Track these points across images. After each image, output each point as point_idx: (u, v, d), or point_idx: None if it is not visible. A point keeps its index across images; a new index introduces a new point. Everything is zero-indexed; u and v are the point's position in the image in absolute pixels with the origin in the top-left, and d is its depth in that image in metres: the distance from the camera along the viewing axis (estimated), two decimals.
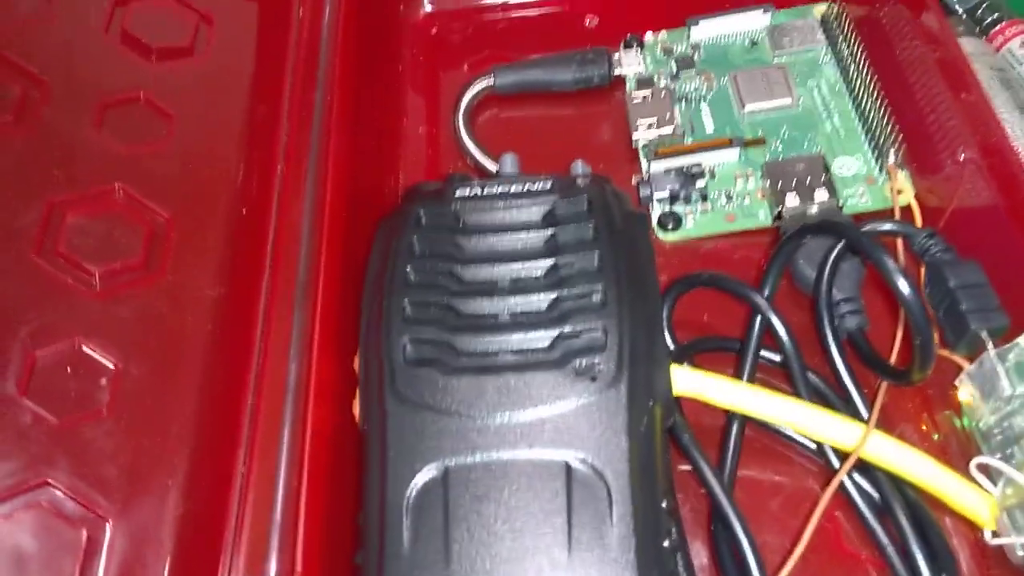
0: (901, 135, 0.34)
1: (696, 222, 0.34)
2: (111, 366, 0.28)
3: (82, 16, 0.35)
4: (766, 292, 0.29)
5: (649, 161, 0.35)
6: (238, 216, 0.31)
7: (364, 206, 0.32)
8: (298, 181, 0.30)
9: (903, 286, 0.25)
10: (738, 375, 0.28)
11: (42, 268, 0.29)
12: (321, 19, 0.36)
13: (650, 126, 0.36)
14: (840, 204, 0.33)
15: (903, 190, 0.33)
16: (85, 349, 0.28)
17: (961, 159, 0.31)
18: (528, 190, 0.29)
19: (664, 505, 0.24)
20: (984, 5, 0.44)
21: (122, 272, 0.30)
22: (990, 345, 0.26)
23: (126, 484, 0.26)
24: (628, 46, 0.39)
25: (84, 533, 0.25)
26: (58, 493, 0.25)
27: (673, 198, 0.34)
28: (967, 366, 0.27)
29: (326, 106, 0.32)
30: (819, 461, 0.29)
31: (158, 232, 0.31)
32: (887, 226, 0.29)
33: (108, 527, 0.25)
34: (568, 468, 0.23)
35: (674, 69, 0.38)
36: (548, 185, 0.29)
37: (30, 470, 0.25)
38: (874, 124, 0.35)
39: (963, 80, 0.32)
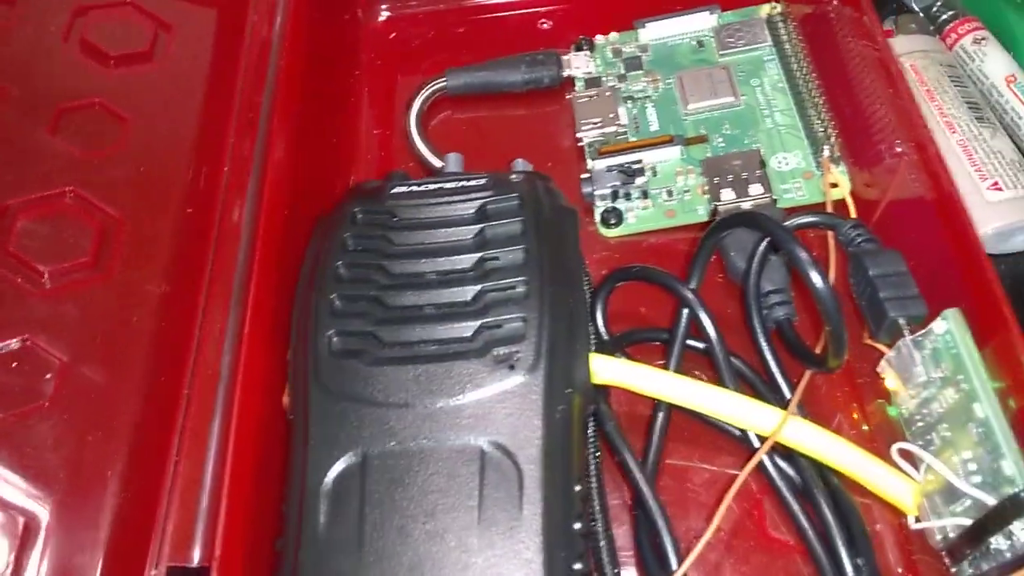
0: (838, 130, 0.35)
1: (638, 218, 0.35)
2: (57, 361, 0.29)
3: (42, 24, 0.36)
4: (692, 283, 0.29)
5: (592, 159, 0.36)
6: (184, 216, 0.32)
7: (310, 206, 0.33)
8: (241, 182, 0.31)
9: (813, 275, 0.25)
10: (666, 364, 0.29)
11: None
12: (274, 25, 0.37)
13: (594, 125, 0.37)
14: (775, 199, 0.33)
15: (839, 184, 0.33)
16: (32, 345, 0.29)
17: (898, 151, 0.32)
18: (463, 186, 0.30)
19: (577, 489, 0.24)
20: (939, 3, 0.44)
21: (71, 271, 0.31)
22: (907, 332, 0.27)
23: (66, 475, 0.27)
24: (578, 48, 0.40)
25: (21, 520, 0.26)
26: None
27: (615, 195, 0.35)
28: (888, 353, 0.28)
29: (271, 108, 0.33)
30: (747, 448, 0.29)
31: (108, 232, 0.32)
32: (809, 218, 0.29)
33: (46, 516, 0.26)
34: (482, 452, 0.24)
35: (622, 70, 0.39)
36: (483, 182, 0.30)
37: None
38: (813, 120, 0.35)
39: (893, 78, 0.33)
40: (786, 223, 0.29)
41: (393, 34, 0.44)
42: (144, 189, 0.33)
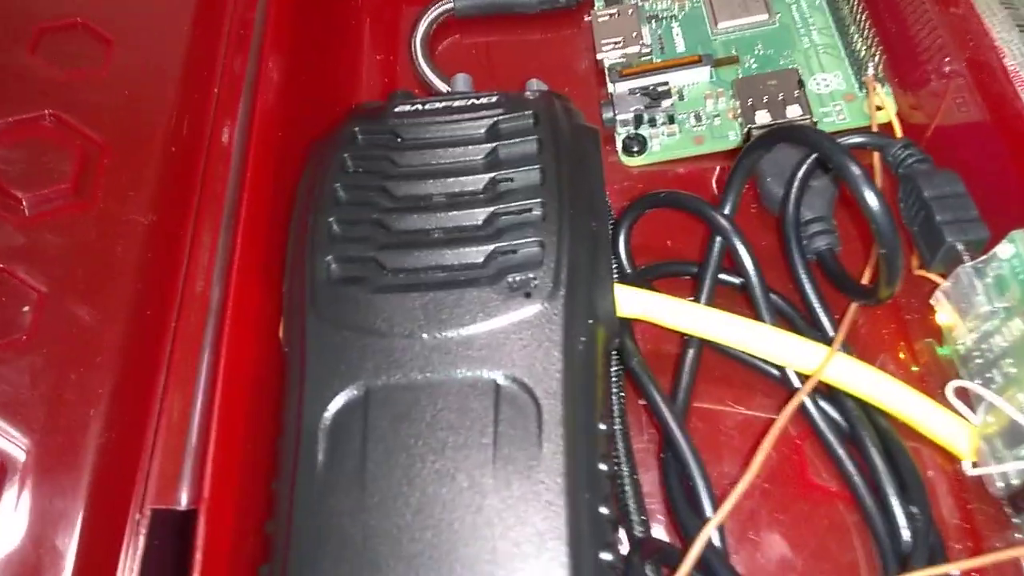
0: (883, 49, 0.32)
1: (663, 145, 0.32)
2: (35, 293, 0.26)
3: None
4: (727, 209, 0.27)
5: (614, 82, 0.33)
6: (173, 140, 0.30)
7: (307, 131, 0.30)
8: (232, 105, 0.29)
9: (867, 193, 0.23)
10: (696, 298, 0.27)
11: None
12: None
13: (615, 45, 0.34)
14: (814, 121, 0.30)
15: (883, 106, 0.31)
16: (8, 275, 0.27)
17: (947, 71, 0.29)
18: (472, 104, 0.27)
19: (602, 428, 0.22)
20: None
21: (51, 198, 0.28)
22: (967, 258, 0.24)
23: (45, 413, 0.25)
24: None
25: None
26: None
27: (638, 120, 0.32)
28: (943, 283, 0.25)
29: (264, 29, 0.31)
30: (785, 391, 0.27)
31: (91, 158, 0.29)
32: (858, 138, 0.27)
33: (23, 456, 0.24)
34: (497, 386, 0.21)
35: None
36: (494, 99, 0.27)
37: None
38: (855, 39, 0.32)
39: None
40: (832, 139, 0.26)
41: None
42: (129, 113, 0.31)
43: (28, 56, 0.31)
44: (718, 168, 0.32)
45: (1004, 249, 0.23)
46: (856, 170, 0.23)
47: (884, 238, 0.23)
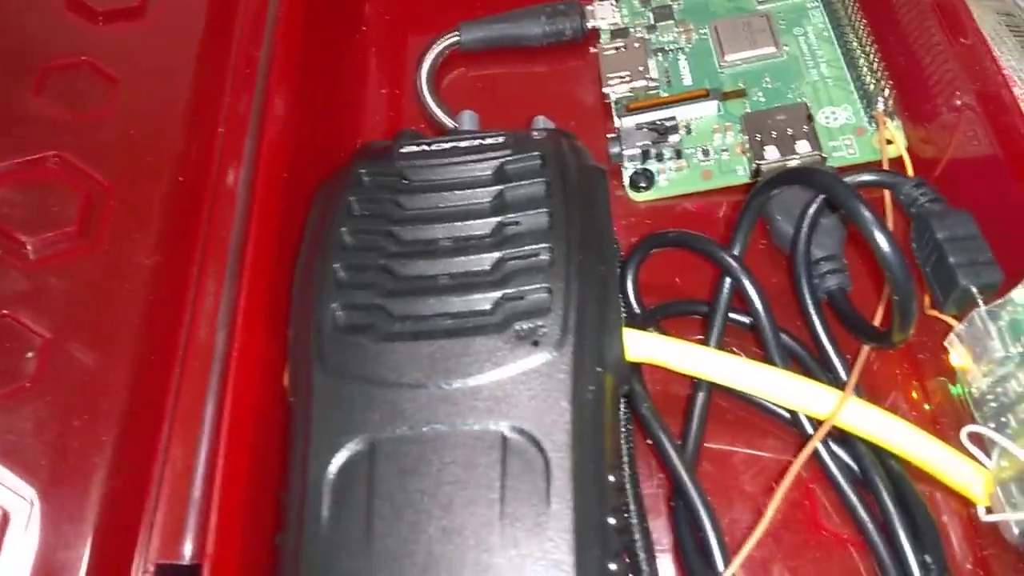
0: (892, 82, 0.31)
1: (670, 180, 0.32)
2: (39, 339, 0.26)
3: None
4: (736, 250, 0.26)
5: (620, 117, 0.33)
6: (177, 182, 0.30)
7: (313, 170, 0.30)
8: (237, 145, 0.29)
9: (880, 237, 0.22)
10: (706, 340, 0.26)
11: None
12: None
13: (622, 79, 0.33)
14: (824, 156, 0.30)
15: (893, 140, 0.30)
16: (12, 321, 0.26)
17: (957, 105, 0.29)
18: (479, 145, 0.27)
19: (612, 479, 0.22)
20: None
21: (56, 241, 0.28)
22: (980, 302, 0.24)
23: (49, 462, 0.24)
24: None
25: (2, 512, 0.23)
26: None
27: (645, 155, 0.32)
28: (957, 326, 0.25)
29: (270, 68, 0.31)
30: (794, 431, 0.26)
31: (96, 200, 0.29)
32: (869, 176, 0.26)
33: (30, 507, 0.24)
34: (504, 439, 0.21)
35: (651, 20, 0.36)
36: (500, 140, 0.27)
37: None
38: (864, 71, 0.32)
39: (960, 24, 0.30)
40: (845, 179, 0.26)
41: None
42: (134, 153, 0.30)
43: (33, 96, 0.31)
44: (726, 204, 0.32)
45: (1020, 293, 0.23)
46: (868, 215, 0.23)
47: (898, 285, 0.22)
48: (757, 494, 0.26)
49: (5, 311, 0.26)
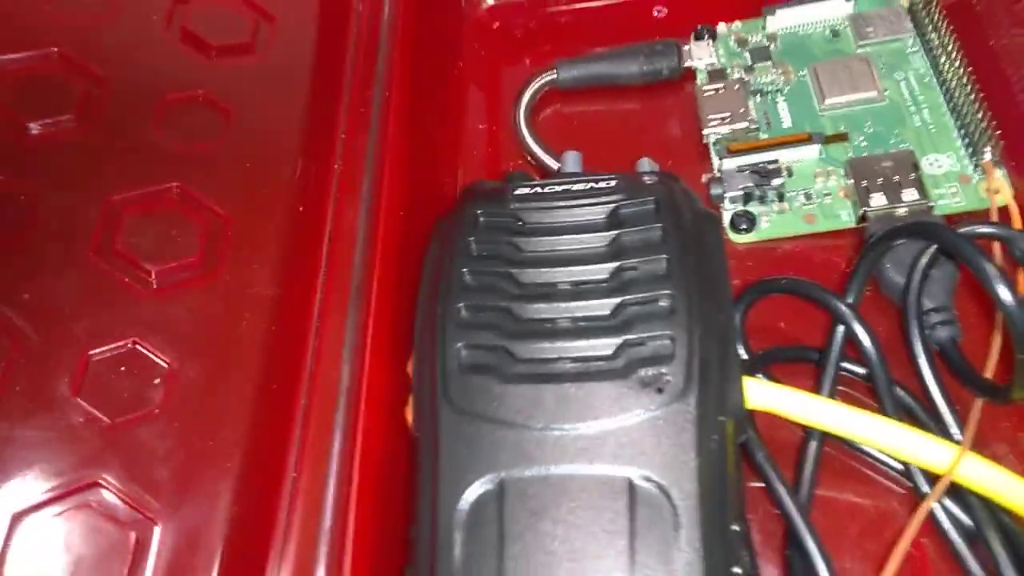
0: (998, 130, 0.31)
1: (772, 223, 0.32)
2: (165, 366, 0.27)
3: (143, 14, 0.35)
4: (851, 299, 0.26)
5: (721, 158, 0.33)
6: (295, 215, 0.31)
7: (421, 206, 0.31)
8: (355, 180, 0.30)
9: (1004, 294, 0.22)
10: (818, 388, 0.26)
11: (99, 267, 0.29)
12: (381, 15, 0.35)
13: (722, 121, 0.34)
14: (931, 205, 0.30)
15: (1000, 189, 0.30)
16: (140, 348, 0.27)
17: None
18: (592, 189, 0.28)
19: (736, 529, 0.22)
20: None
21: (179, 271, 0.29)
22: None
23: (177, 487, 0.25)
24: (699, 37, 0.37)
25: (133, 535, 0.24)
26: (108, 494, 0.25)
27: (747, 197, 0.32)
28: None
29: (384, 103, 0.32)
30: (904, 482, 0.26)
31: (215, 231, 0.30)
32: (984, 228, 0.26)
33: (157, 530, 0.25)
34: (631, 485, 0.21)
35: (749, 61, 0.36)
36: (613, 184, 0.28)
37: (81, 470, 0.25)
38: (968, 118, 0.32)
39: None
40: (963, 230, 0.26)
41: (496, 24, 0.42)
42: (251, 186, 0.31)
43: (154, 130, 0.33)
44: (827, 248, 0.32)
45: None
46: (990, 268, 0.23)
47: (1021, 342, 0.22)
48: (865, 543, 0.26)
49: (134, 339, 0.28)
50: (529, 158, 0.36)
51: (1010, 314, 0.22)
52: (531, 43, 0.41)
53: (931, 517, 0.25)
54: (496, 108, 0.39)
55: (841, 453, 0.27)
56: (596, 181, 0.28)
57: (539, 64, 0.38)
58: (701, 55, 0.36)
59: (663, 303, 0.24)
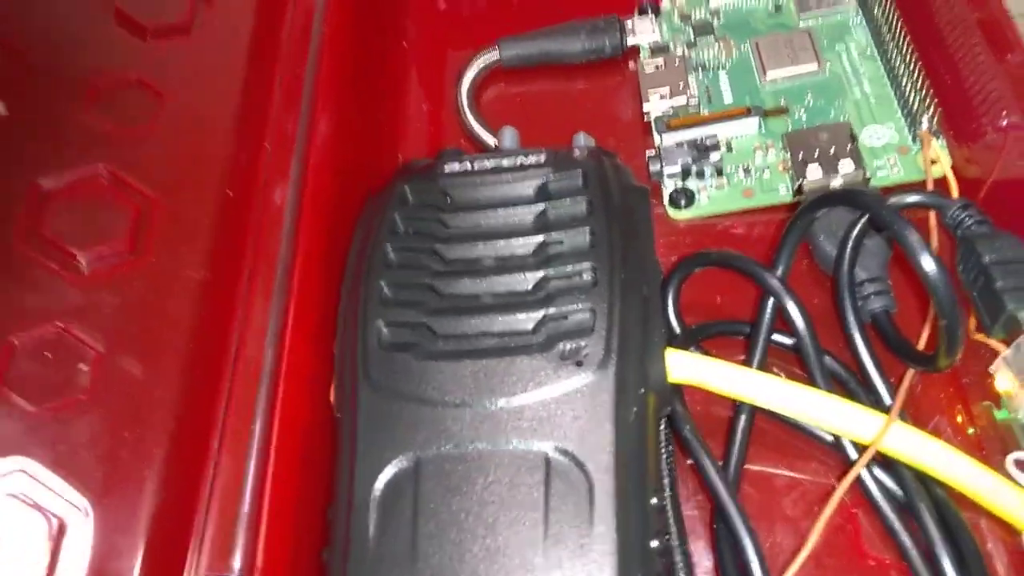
0: (937, 100, 0.31)
1: (711, 198, 0.32)
2: (92, 352, 0.27)
3: None
4: (779, 271, 0.26)
5: (661, 134, 0.33)
6: (225, 198, 0.30)
7: (357, 186, 0.31)
8: (284, 161, 0.29)
9: (926, 261, 0.22)
10: (748, 361, 0.26)
11: (25, 252, 0.28)
12: None
13: (663, 96, 0.34)
14: (867, 176, 0.30)
15: (938, 159, 0.30)
16: (67, 334, 0.27)
17: (1004, 125, 0.29)
18: (520, 164, 0.27)
19: (654, 502, 0.22)
20: None
21: (108, 256, 0.29)
22: None
23: (102, 474, 0.25)
24: (643, 13, 0.37)
25: (56, 523, 0.24)
26: (31, 481, 0.24)
27: (686, 173, 0.32)
28: (1004, 350, 0.24)
29: (315, 84, 0.31)
30: (838, 455, 0.26)
31: (145, 214, 0.30)
32: (914, 197, 0.26)
33: (82, 517, 0.24)
34: (547, 460, 0.21)
35: (691, 36, 0.36)
36: (542, 158, 0.27)
37: (2, 457, 0.24)
38: (908, 89, 0.32)
39: (1006, 41, 0.30)
40: (891, 201, 0.26)
41: (443, 3, 0.41)
42: (182, 169, 0.31)
43: (84, 111, 0.32)
44: (766, 222, 0.32)
45: None
46: (914, 238, 0.23)
47: (944, 309, 0.22)
48: (799, 518, 0.26)
49: (60, 324, 0.27)
50: (471, 137, 0.35)
51: (931, 282, 0.22)
52: (478, 24, 0.41)
53: (863, 489, 0.25)
54: (440, 89, 0.38)
55: (776, 427, 0.27)
56: (526, 156, 0.28)
57: (486, 44, 0.38)
58: (643, 31, 0.36)
59: (586, 276, 0.24)
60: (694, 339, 0.27)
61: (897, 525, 0.24)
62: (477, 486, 0.21)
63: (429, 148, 0.36)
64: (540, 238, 0.25)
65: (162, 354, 0.27)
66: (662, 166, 0.32)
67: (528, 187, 0.27)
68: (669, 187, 0.32)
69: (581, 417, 0.22)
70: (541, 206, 0.26)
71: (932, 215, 0.28)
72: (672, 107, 0.33)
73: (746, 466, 0.27)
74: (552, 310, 0.23)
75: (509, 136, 0.32)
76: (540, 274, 0.24)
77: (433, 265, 0.25)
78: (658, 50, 0.36)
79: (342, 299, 0.25)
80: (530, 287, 0.24)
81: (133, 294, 0.28)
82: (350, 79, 0.33)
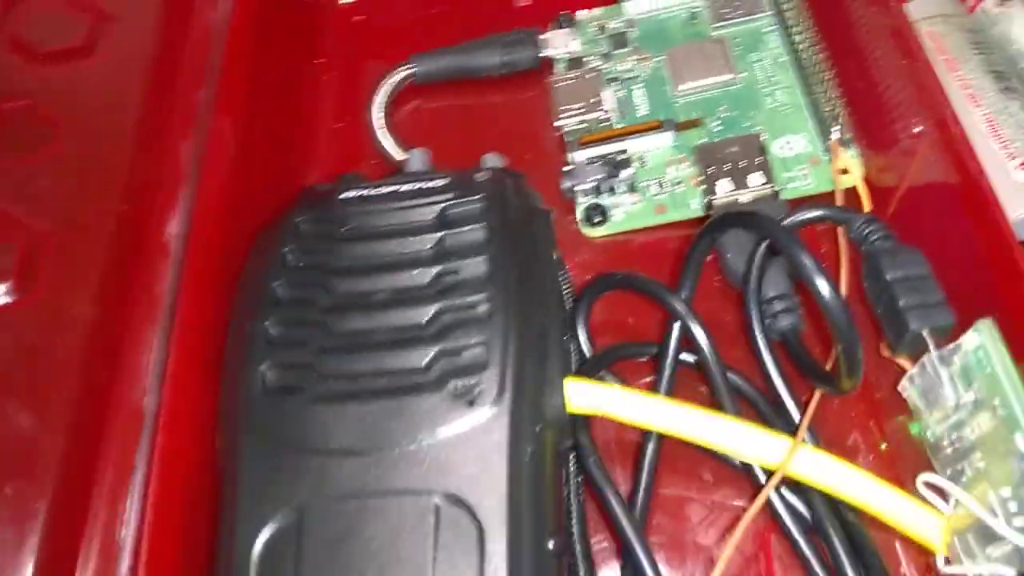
0: (850, 109, 0.31)
1: (625, 214, 0.31)
2: None
3: None
4: (683, 293, 0.26)
5: (573, 151, 0.32)
6: (119, 231, 0.29)
7: (258, 215, 0.29)
8: (174, 191, 0.28)
9: (821, 284, 0.22)
10: (656, 384, 0.26)
11: None
12: (216, 9, 0.33)
13: (576, 112, 0.33)
14: (777, 189, 0.29)
15: (849, 170, 0.30)
16: None
17: (915, 132, 0.28)
18: (420, 189, 0.26)
19: (552, 546, 0.21)
20: None
21: None
22: (932, 346, 0.23)
23: None
24: (559, 25, 0.36)
25: None
26: None
27: (598, 190, 0.31)
28: (910, 370, 0.24)
29: (214, 108, 0.30)
30: (749, 479, 0.26)
31: (34, 250, 0.29)
32: (815, 212, 0.26)
33: None
34: (437, 508, 0.20)
35: (607, 48, 0.35)
36: (444, 183, 0.26)
37: None
38: (820, 98, 0.31)
39: (913, 48, 0.29)
40: (789, 219, 0.25)
41: (359, 17, 0.40)
42: (74, 201, 0.30)
43: None
44: (681, 238, 0.31)
45: (970, 339, 0.22)
46: (807, 260, 0.22)
47: (841, 332, 0.22)
48: (711, 544, 0.25)
49: None
50: (385, 158, 0.34)
51: (826, 306, 0.22)
52: (397, 37, 0.39)
53: (773, 513, 0.24)
54: (356, 107, 0.37)
55: (688, 450, 0.26)
56: (428, 180, 0.27)
57: (403, 59, 0.37)
58: (559, 43, 0.35)
59: (481, 308, 0.23)
60: (603, 363, 0.27)
61: (806, 550, 0.24)
62: (363, 539, 0.20)
63: (344, 169, 0.35)
64: (437, 268, 0.24)
65: (48, 399, 0.26)
66: (574, 183, 0.31)
67: (428, 213, 0.26)
68: (583, 204, 0.32)
69: (473, 459, 0.21)
70: (440, 234, 0.25)
71: (841, 233, 0.27)
72: (585, 122, 0.33)
73: (660, 491, 0.26)
74: (447, 345, 0.23)
75: (418, 158, 0.31)
76: (435, 307, 0.23)
77: (323, 300, 0.24)
78: (574, 63, 0.35)
79: (228, 340, 0.24)
80: (424, 321, 0.23)
81: (18, 335, 0.27)
82: (254, 99, 0.32)
